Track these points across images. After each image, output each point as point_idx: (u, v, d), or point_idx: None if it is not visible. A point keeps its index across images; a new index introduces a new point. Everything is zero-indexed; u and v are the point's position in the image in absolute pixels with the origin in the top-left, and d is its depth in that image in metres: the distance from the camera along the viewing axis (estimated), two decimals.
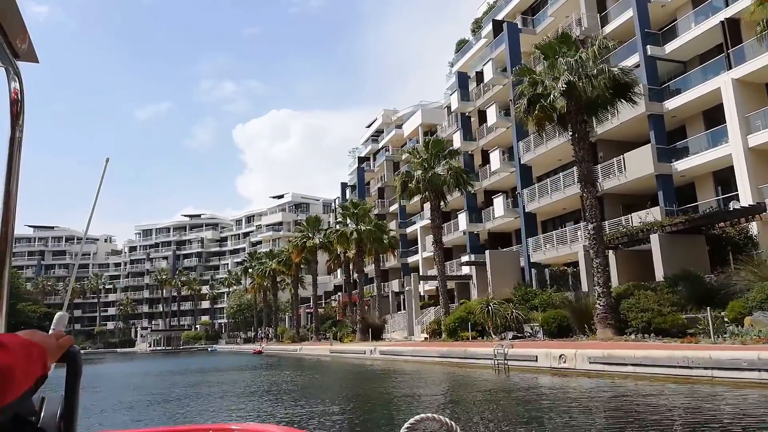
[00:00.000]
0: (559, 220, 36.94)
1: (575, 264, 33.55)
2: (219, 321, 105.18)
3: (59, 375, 1.18)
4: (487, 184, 41.16)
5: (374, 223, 40.12)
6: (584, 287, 26.74)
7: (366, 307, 56.78)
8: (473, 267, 37.07)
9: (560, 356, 14.94)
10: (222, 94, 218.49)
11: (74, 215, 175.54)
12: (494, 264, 34.89)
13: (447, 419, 1.59)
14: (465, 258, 40.78)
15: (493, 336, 25.19)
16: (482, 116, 42.56)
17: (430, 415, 1.60)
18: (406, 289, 37.46)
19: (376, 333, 38.30)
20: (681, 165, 27.90)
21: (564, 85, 18.60)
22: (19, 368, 0.89)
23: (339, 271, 74.28)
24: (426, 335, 33.45)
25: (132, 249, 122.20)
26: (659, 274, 21.84)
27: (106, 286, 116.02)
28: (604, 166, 30.68)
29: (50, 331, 1.19)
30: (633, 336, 17.60)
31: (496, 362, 17.52)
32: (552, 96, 19.14)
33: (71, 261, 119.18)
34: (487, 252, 35.31)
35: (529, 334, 25.07)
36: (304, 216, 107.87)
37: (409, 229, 58.05)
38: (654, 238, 22.22)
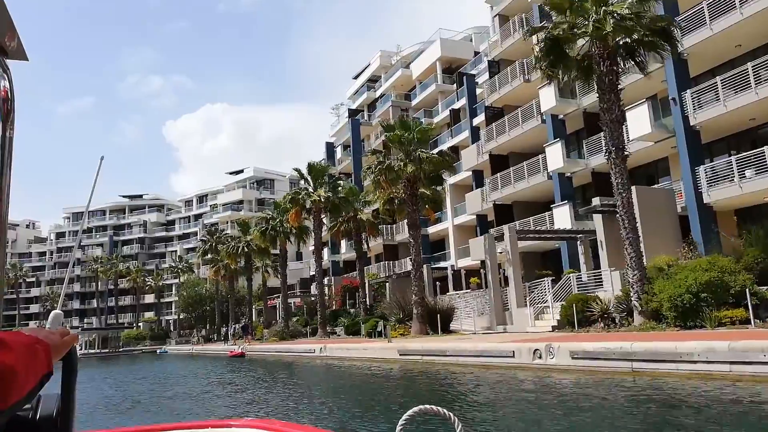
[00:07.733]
0: (734, 140, 23.91)
1: None
2: (167, 317, 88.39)
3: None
4: (591, 100, 26.79)
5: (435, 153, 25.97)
6: None
7: (371, 293, 42.75)
8: (600, 216, 23.78)
9: None
10: (149, 89, 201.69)
11: None
12: (644, 209, 21.76)
13: (445, 411, 1.59)
14: (559, 209, 27.56)
15: None
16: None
17: (429, 406, 1.62)
18: (499, 252, 23.60)
19: (444, 323, 24.38)
20: None
21: None
22: (22, 367, 0.89)
23: (326, 250, 60.03)
24: (555, 323, 19.81)
25: (60, 235, 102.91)
26: None
27: (28, 279, 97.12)
28: None
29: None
30: None
31: None
32: None
33: None
34: (633, 188, 21.91)
35: None
36: (268, 193, 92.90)
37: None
38: None
